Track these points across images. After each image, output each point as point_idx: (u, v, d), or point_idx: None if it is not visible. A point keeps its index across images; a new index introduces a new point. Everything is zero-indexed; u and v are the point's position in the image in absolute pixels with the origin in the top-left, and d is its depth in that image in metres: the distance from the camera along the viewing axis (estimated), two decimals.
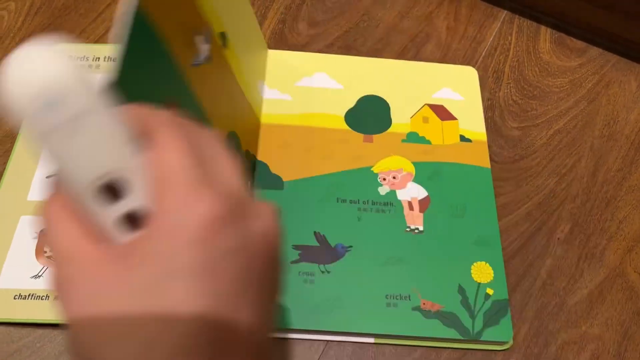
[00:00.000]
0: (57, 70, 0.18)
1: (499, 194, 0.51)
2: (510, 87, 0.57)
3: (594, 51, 0.60)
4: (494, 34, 0.60)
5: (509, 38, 0.60)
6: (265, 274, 0.22)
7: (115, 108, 0.19)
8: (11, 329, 0.41)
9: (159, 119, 0.21)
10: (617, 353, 0.44)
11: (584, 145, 0.54)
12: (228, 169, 0.22)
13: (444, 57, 0.58)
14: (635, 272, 0.48)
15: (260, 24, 0.58)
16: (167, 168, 0.20)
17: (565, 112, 0.56)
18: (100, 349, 0.19)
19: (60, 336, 0.42)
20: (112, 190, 0.20)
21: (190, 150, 0.20)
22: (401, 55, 0.58)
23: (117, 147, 0.20)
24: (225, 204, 0.20)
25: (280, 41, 0.58)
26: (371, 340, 0.43)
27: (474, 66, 0.57)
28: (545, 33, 0.61)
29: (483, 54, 0.59)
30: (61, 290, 0.20)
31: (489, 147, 0.52)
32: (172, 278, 0.19)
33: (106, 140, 0.19)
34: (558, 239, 0.49)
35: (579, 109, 0.57)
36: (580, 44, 0.61)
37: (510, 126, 0.55)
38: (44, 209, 0.21)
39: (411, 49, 0.58)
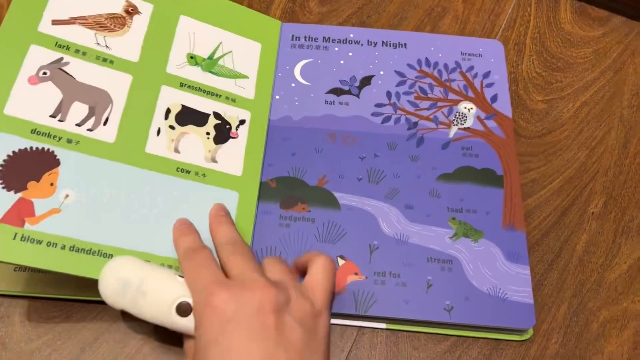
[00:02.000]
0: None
1: (528, 169, 0.49)
2: (532, 59, 0.55)
3: (617, 19, 0.58)
4: (512, 5, 0.58)
5: (528, 9, 0.58)
6: None
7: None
8: (29, 328, 0.40)
9: None
10: None
11: (613, 116, 0.52)
12: None
13: (463, 31, 0.56)
14: None
15: (270, 2, 0.56)
16: None
17: (592, 83, 0.54)
18: None
19: (81, 332, 0.40)
20: None
21: None
22: (418, 30, 0.56)
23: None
24: None
25: (292, 20, 0.55)
26: (383, 325, 0.41)
27: (495, 38, 0.55)
28: (566, 3, 0.59)
29: (502, 26, 0.57)
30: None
31: (515, 121, 0.50)
32: None
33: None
34: (592, 213, 0.47)
35: (606, 80, 0.54)
36: (602, 12, 0.58)
37: (535, 99, 0.53)
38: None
39: (428, 24, 0.56)
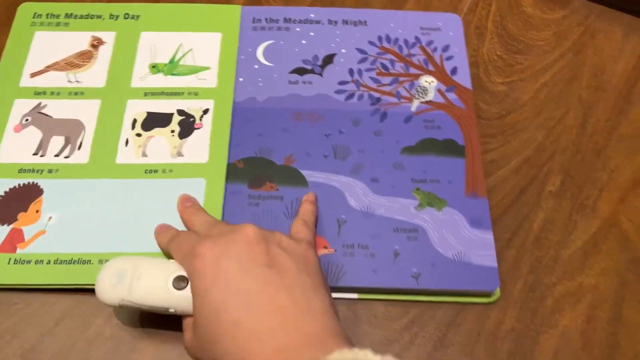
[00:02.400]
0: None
1: (487, 150, 0.49)
2: (494, 42, 0.56)
3: (578, 2, 0.59)
4: None
5: None
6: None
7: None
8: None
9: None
10: (614, 302, 0.43)
11: (572, 97, 0.53)
12: None
13: None
14: (628, 220, 0.47)
15: None
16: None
17: (552, 64, 0.55)
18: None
19: (41, 318, 0.40)
20: None
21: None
22: None
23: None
24: None
25: (256, 2, 0.56)
26: (355, 296, 0.42)
27: None
28: None
29: (464, 9, 0.58)
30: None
31: (475, 103, 0.51)
32: None
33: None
34: (550, 192, 0.48)
35: (565, 61, 0.55)
36: None
37: (495, 81, 0.53)
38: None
39: (391, 6, 0.57)
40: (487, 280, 0.42)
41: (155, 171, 0.45)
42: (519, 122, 0.51)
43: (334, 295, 0.41)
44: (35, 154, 0.45)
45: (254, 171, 0.45)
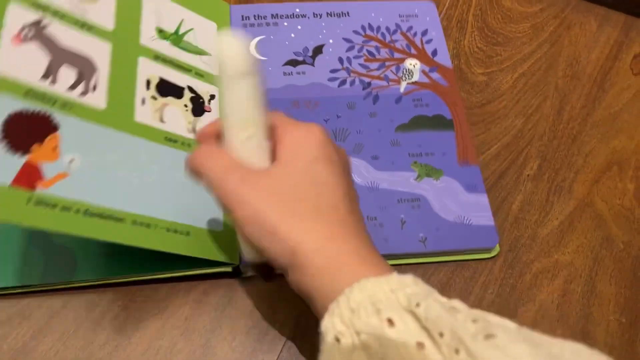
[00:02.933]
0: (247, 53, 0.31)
1: None
2: (474, 35, 0.59)
3: None
4: None
5: None
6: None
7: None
8: None
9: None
10: (589, 277, 0.46)
11: (549, 86, 0.56)
12: None
13: None
14: (602, 200, 0.49)
15: None
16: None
17: (529, 55, 0.58)
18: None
19: (48, 301, 0.42)
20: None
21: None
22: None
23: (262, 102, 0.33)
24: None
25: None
26: None
27: (439, 16, 0.58)
28: None
29: (447, 5, 0.60)
30: (230, 201, 0.31)
31: (458, 91, 0.54)
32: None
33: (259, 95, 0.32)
34: (528, 175, 0.50)
35: (542, 52, 0.58)
36: None
37: (476, 72, 0.56)
38: (193, 161, 0.33)
39: None
40: (486, 237, 0.46)
41: (175, 141, 0.45)
42: (498, 111, 0.54)
43: None
44: (44, 77, 0.39)
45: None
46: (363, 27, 0.56)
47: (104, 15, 0.45)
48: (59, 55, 0.41)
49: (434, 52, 0.55)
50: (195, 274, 0.43)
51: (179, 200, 0.42)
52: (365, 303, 0.26)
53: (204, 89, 0.49)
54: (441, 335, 0.24)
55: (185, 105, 0.47)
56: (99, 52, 0.44)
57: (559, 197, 0.49)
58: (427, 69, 0.54)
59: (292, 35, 0.55)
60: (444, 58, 0.55)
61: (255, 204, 0.30)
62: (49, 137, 0.38)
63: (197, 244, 0.42)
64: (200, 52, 0.50)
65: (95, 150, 0.40)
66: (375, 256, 0.31)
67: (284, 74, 0.52)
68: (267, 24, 0.55)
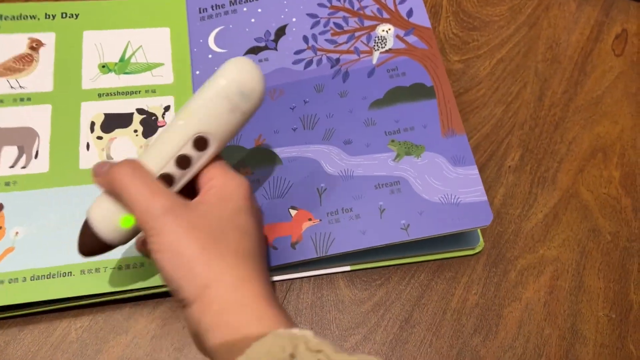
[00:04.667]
0: (253, 78, 0.34)
1: None
2: (449, 20, 0.56)
3: None
4: None
5: None
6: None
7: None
8: None
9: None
10: (576, 271, 0.44)
11: (528, 71, 0.53)
12: None
13: None
14: (588, 190, 0.47)
15: None
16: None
17: (507, 39, 0.55)
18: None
19: (9, 328, 0.39)
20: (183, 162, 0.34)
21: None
22: None
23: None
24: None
25: None
26: (347, 268, 0.43)
27: None
28: None
29: None
30: (161, 242, 0.31)
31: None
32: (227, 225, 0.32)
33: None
34: (509, 167, 0.48)
35: (521, 35, 0.55)
36: None
37: (452, 59, 0.53)
38: (114, 174, 0.32)
39: None
40: (479, 215, 0.41)
41: None
42: (477, 99, 0.51)
43: (328, 270, 0.43)
44: None
45: (226, 160, 0.45)
46: None
47: (43, 79, 0.46)
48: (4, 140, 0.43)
49: (409, 13, 0.50)
50: (160, 292, 0.40)
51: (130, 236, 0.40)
52: None
53: (156, 104, 0.47)
54: None
55: (135, 131, 0.46)
56: (40, 117, 0.45)
57: (543, 188, 0.47)
58: (402, 32, 0.49)
59: (253, 20, 0.51)
60: (422, 17, 0.50)
61: (177, 234, 0.31)
62: None
63: (155, 271, 0.40)
64: (149, 67, 0.49)
65: (38, 215, 0.41)
66: (275, 303, 0.31)
67: None
68: (226, 13, 0.52)
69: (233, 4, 0.52)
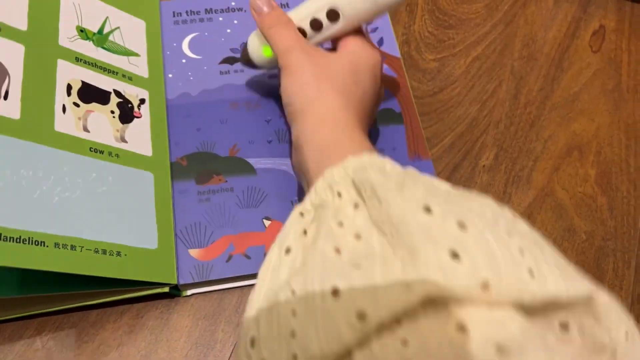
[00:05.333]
0: None
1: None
2: (424, 19, 0.55)
3: None
4: None
5: None
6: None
7: None
8: None
9: None
10: None
11: (504, 69, 0.53)
12: None
13: None
14: (563, 189, 0.47)
15: None
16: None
17: (483, 37, 0.55)
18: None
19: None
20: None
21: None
22: None
23: None
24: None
25: None
26: None
27: None
28: None
29: None
30: (286, 68, 0.38)
31: (406, 80, 0.50)
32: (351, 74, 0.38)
33: None
34: (483, 166, 0.48)
35: (497, 33, 0.55)
36: None
37: (427, 58, 0.53)
38: (264, 16, 0.40)
39: None
40: None
41: (102, 152, 0.41)
42: (452, 98, 0.51)
43: None
44: None
45: (199, 167, 0.44)
46: None
47: (15, 12, 0.41)
48: None
49: (380, 42, 0.51)
50: (128, 297, 0.40)
51: (107, 218, 0.39)
52: (325, 185, 0.29)
53: (132, 93, 0.45)
54: (365, 191, 0.27)
55: (112, 112, 0.43)
56: (11, 55, 0.39)
57: (517, 187, 0.47)
58: None
59: (228, 30, 0.51)
60: (391, 47, 0.51)
61: (300, 62, 0.37)
62: None
63: (131, 264, 0.38)
64: (127, 52, 0.47)
65: (8, 167, 0.36)
66: (368, 142, 0.35)
67: (221, 72, 0.49)
68: (201, 20, 0.51)
69: (209, 12, 0.52)
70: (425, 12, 0.56)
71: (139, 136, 0.44)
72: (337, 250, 0.24)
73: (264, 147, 0.46)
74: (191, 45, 0.50)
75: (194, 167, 0.44)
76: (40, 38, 0.42)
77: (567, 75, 0.53)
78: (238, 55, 0.50)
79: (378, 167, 0.28)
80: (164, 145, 0.45)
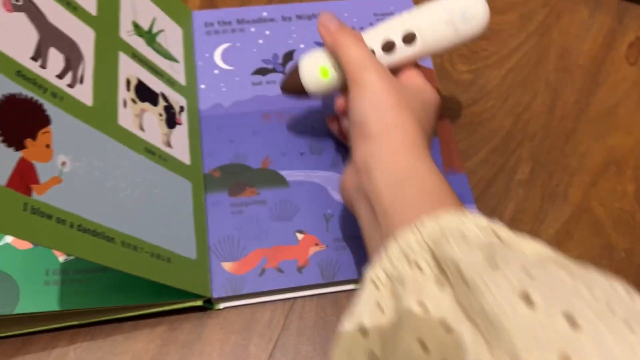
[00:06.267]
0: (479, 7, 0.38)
1: None
2: None
3: None
4: None
5: None
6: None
7: None
8: None
9: None
10: None
11: (539, 81, 0.52)
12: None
13: None
14: (600, 205, 0.46)
15: None
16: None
17: (517, 48, 0.54)
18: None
19: (1, 346, 0.39)
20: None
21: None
22: None
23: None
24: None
25: (212, 3, 0.54)
26: (351, 286, 0.42)
27: None
28: None
29: None
30: (359, 85, 0.36)
31: (440, 93, 0.50)
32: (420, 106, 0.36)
33: None
34: (519, 180, 0.47)
35: (531, 44, 0.54)
36: None
37: (460, 70, 0.52)
38: (339, 34, 0.38)
39: None
40: None
41: (154, 153, 0.40)
42: (485, 111, 0.50)
43: (332, 289, 0.42)
44: (34, 59, 0.33)
45: (232, 179, 0.44)
46: None
47: None
48: (48, 34, 0.34)
49: None
50: (161, 310, 0.39)
51: (160, 222, 0.38)
52: (399, 252, 0.27)
53: (174, 99, 0.45)
54: (449, 270, 0.24)
55: (160, 114, 0.43)
56: (84, 39, 0.37)
57: (554, 203, 0.46)
58: None
59: (260, 41, 0.51)
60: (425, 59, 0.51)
61: (379, 83, 0.35)
62: (42, 131, 0.31)
63: (177, 272, 0.38)
64: (170, 57, 0.46)
65: (84, 154, 0.34)
66: (439, 174, 0.33)
67: (253, 83, 0.49)
68: (233, 30, 0.51)
69: (241, 23, 0.52)
70: None
71: (180, 143, 0.43)
72: (424, 345, 0.22)
73: (296, 159, 0.45)
74: (223, 56, 0.50)
75: (226, 178, 0.44)
76: (107, 26, 0.40)
77: (603, 88, 0.52)
78: (270, 66, 0.49)
79: (459, 233, 0.25)
80: (199, 155, 0.45)
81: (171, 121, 0.44)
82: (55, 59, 0.34)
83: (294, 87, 0.41)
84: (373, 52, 0.39)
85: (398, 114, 0.34)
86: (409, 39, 0.38)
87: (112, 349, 0.39)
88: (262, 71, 0.49)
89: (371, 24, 0.52)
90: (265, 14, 0.52)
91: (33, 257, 0.39)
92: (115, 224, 0.34)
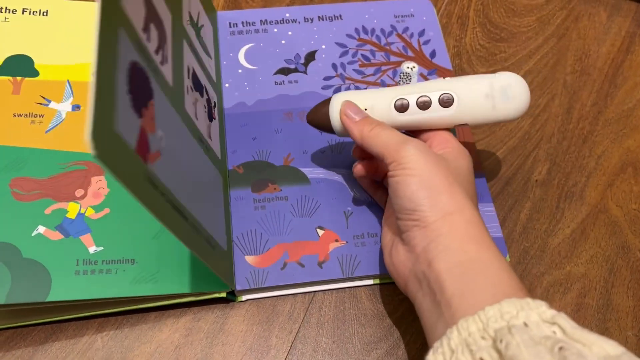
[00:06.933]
0: (521, 88, 0.39)
1: None
2: (476, 31, 0.55)
3: None
4: None
5: None
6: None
7: None
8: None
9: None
10: (604, 289, 0.43)
11: (557, 83, 0.53)
12: None
13: None
14: (617, 206, 0.46)
15: None
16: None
17: (535, 51, 0.54)
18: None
19: (32, 334, 0.40)
20: None
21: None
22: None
23: None
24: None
25: (235, 4, 0.55)
26: (370, 282, 0.43)
27: (437, 13, 0.55)
28: None
29: (445, 0, 0.57)
30: (402, 164, 0.35)
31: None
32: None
33: None
34: (536, 180, 0.47)
35: (549, 47, 0.55)
36: None
37: (479, 71, 0.53)
38: (362, 128, 0.38)
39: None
40: None
41: (203, 143, 0.41)
42: None
43: (351, 284, 0.43)
44: (144, 30, 0.31)
45: (254, 175, 0.45)
46: (357, 30, 0.53)
47: None
48: (150, 10, 0.33)
49: (432, 54, 0.52)
50: (186, 301, 0.41)
51: (208, 210, 0.39)
52: (462, 344, 0.28)
53: (211, 94, 0.46)
54: None
55: (205, 106, 0.43)
56: (165, 19, 0.36)
57: (570, 203, 0.46)
58: (425, 71, 0.51)
59: (283, 41, 0.52)
60: (443, 59, 0.52)
61: (427, 164, 0.34)
62: (150, 103, 0.31)
63: (217, 260, 0.38)
64: (208, 53, 0.47)
65: (169, 133, 0.33)
66: (500, 254, 0.33)
67: (275, 83, 0.50)
68: (256, 31, 0.52)
69: (264, 24, 0.53)
70: (477, 25, 0.56)
71: (215, 137, 0.45)
72: None
73: (317, 158, 0.47)
74: (247, 56, 0.51)
75: (249, 175, 0.45)
76: (177, 11, 0.40)
77: (621, 90, 0.52)
78: (293, 66, 0.51)
79: (522, 328, 0.26)
80: (225, 151, 0.46)
81: (210, 115, 0.45)
82: (154, 35, 0.33)
83: (321, 122, 0.42)
84: (408, 104, 0.39)
85: (452, 196, 0.33)
86: (446, 101, 0.39)
87: (138, 338, 0.40)
88: (284, 71, 0.50)
89: (392, 26, 0.53)
90: (287, 14, 0.53)
91: (64, 247, 0.40)
92: (190, 208, 0.34)
